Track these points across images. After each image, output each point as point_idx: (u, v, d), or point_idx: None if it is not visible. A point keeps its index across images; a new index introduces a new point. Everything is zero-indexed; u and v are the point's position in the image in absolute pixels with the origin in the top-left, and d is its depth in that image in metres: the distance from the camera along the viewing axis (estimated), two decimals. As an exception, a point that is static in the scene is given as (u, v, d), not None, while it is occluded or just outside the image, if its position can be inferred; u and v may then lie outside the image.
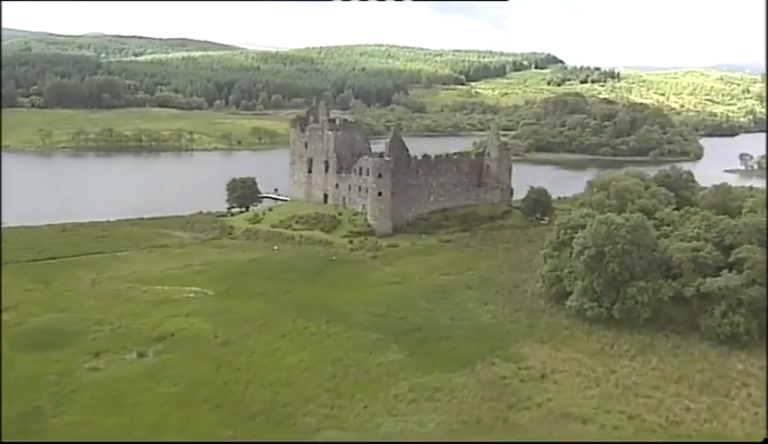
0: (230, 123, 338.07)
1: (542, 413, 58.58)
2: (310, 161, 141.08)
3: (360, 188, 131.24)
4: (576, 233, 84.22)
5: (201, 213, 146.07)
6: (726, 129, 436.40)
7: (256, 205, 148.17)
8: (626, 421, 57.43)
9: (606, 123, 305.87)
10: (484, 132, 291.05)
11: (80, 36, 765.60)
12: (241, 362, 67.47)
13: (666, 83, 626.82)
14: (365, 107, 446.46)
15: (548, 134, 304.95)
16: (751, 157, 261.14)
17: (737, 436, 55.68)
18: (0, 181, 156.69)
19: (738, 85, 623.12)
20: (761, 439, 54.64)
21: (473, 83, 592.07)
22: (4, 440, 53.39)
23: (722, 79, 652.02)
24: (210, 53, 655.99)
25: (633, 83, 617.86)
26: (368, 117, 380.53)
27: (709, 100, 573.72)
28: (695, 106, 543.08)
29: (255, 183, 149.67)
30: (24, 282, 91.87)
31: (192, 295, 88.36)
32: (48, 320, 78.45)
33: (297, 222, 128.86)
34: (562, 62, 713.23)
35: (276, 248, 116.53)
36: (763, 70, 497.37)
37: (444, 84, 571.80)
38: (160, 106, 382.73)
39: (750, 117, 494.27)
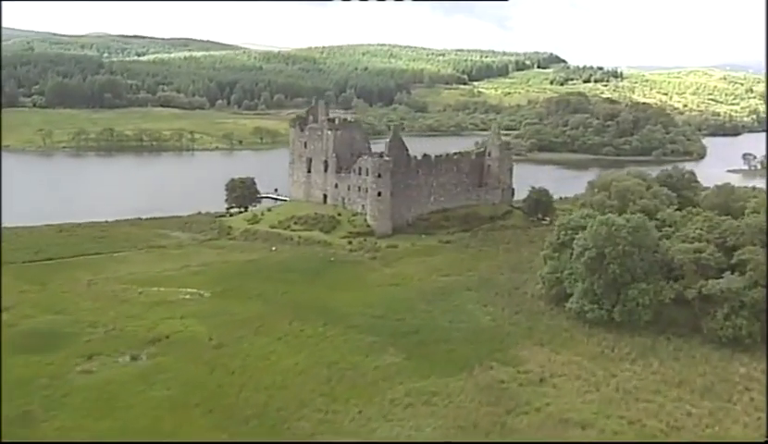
0: (232, 123, 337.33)
1: (541, 418, 57.50)
2: (309, 161, 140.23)
3: (359, 188, 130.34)
4: (577, 234, 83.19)
5: (200, 213, 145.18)
6: (729, 129, 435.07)
7: (255, 206, 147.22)
8: (626, 426, 56.34)
9: (609, 123, 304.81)
10: (486, 132, 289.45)
11: (83, 36, 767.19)
12: (236, 365, 66.52)
13: (669, 83, 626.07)
14: (367, 107, 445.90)
15: (550, 134, 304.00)
16: (754, 157, 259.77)
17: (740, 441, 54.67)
18: (0, 181, 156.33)
19: (742, 85, 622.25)
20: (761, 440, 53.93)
21: (475, 83, 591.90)
22: (4, 440, 52.79)
23: (725, 78, 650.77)
24: (213, 53, 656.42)
25: (636, 83, 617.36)
26: (371, 116, 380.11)
27: (712, 99, 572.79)
28: (698, 106, 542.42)
29: (254, 183, 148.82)
30: (20, 283, 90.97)
31: (187, 296, 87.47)
32: (42, 322, 77.52)
33: (296, 223, 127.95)
34: (564, 61, 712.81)
35: (274, 249, 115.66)
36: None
37: (447, 84, 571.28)
38: (162, 106, 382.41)
39: (754, 116, 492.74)
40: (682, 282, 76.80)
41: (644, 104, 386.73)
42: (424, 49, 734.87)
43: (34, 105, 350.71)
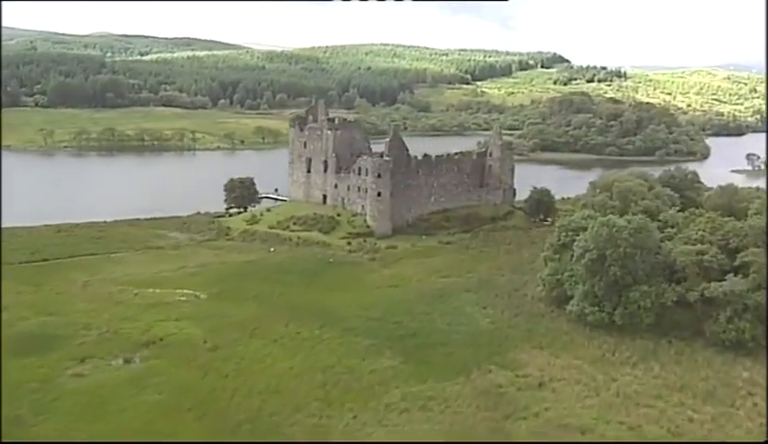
0: (234, 122, 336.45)
1: (539, 423, 56.40)
2: (309, 161, 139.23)
3: (359, 188, 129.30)
4: (578, 235, 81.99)
5: (198, 213, 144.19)
6: (733, 129, 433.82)
7: (255, 206, 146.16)
8: (627, 432, 55.24)
9: (612, 123, 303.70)
10: (489, 132, 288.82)
11: (86, 36, 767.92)
12: (230, 368, 65.43)
13: (673, 83, 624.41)
14: (369, 107, 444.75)
15: (553, 134, 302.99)
16: (758, 157, 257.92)
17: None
18: (0, 181, 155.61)
19: (746, 84, 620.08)
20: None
21: (478, 83, 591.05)
22: (4, 440, 52.13)
23: (729, 78, 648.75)
24: (215, 52, 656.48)
25: (639, 83, 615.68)
26: (373, 116, 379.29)
27: (716, 99, 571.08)
28: (702, 106, 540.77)
29: (254, 183, 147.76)
30: (15, 285, 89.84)
31: (183, 298, 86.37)
32: (35, 324, 76.59)
33: (295, 223, 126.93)
34: (568, 61, 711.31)
35: (272, 250, 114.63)
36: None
37: (450, 84, 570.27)
38: (164, 106, 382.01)
39: (758, 116, 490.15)
40: (684, 284, 75.48)
41: (647, 103, 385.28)
42: (427, 49, 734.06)
43: (36, 105, 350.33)
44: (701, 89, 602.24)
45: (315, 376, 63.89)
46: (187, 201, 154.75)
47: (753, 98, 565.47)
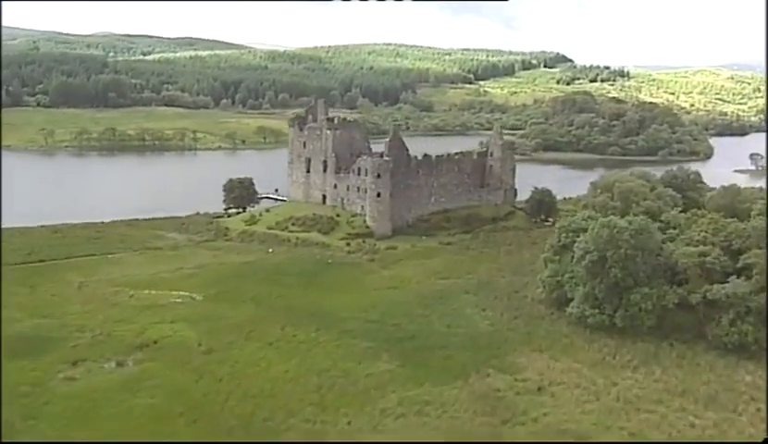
0: (235, 122, 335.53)
1: (538, 428, 55.35)
2: (308, 161, 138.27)
3: (359, 188, 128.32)
4: (578, 237, 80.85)
5: (197, 214, 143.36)
6: (737, 129, 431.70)
7: (254, 206, 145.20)
8: (627, 437, 54.15)
9: (615, 122, 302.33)
10: (492, 131, 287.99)
11: (89, 35, 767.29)
12: (224, 372, 64.43)
13: (676, 82, 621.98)
14: (372, 106, 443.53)
15: (556, 133, 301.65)
16: (761, 157, 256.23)
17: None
18: (0, 181, 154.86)
19: (749, 84, 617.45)
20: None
21: (481, 82, 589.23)
22: (4, 440, 51.48)
23: (732, 78, 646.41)
24: (218, 52, 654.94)
25: (642, 82, 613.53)
26: (376, 116, 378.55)
27: (719, 99, 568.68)
28: (705, 105, 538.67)
29: (253, 184, 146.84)
30: (9, 286, 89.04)
31: (179, 300, 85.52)
32: (29, 326, 75.90)
33: (294, 224, 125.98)
34: (571, 61, 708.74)
35: (271, 250, 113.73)
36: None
37: (452, 83, 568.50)
38: (166, 105, 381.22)
39: (761, 116, 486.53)
40: (686, 287, 74.31)
41: (651, 103, 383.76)
42: (430, 48, 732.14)
43: (38, 105, 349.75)
44: (705, 88, 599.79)
45: (311, 380, 62.88)
46: (187, 201, 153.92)
47: (757, 98, 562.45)
